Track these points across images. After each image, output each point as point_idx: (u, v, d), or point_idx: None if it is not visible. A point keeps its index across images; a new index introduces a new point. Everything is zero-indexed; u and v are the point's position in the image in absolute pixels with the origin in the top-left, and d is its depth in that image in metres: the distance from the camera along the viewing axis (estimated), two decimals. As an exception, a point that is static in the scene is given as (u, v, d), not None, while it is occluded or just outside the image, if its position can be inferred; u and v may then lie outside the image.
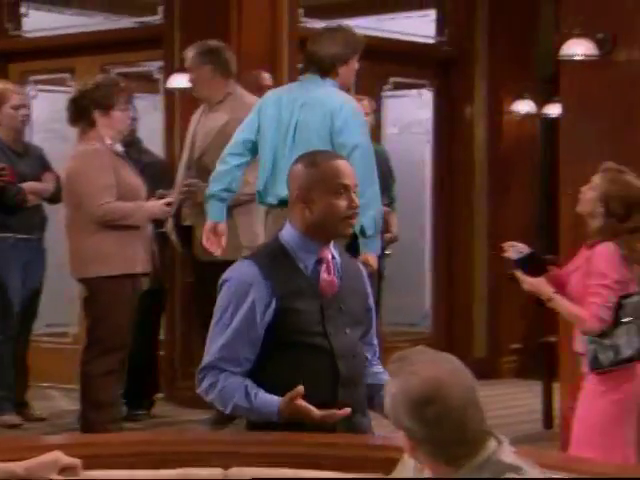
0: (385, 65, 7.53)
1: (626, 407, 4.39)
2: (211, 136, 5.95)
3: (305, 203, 3.22)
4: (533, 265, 4.51)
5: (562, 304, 4.43)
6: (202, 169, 5.84)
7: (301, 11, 7.06)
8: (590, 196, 4.42)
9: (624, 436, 4.42)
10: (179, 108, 7.04)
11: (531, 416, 6.62)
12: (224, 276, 3.26)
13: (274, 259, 3.23)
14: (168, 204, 5.64)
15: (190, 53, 6.03)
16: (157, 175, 6.20)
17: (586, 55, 5.60)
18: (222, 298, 3.22)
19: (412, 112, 8.71)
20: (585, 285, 4.37)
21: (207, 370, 3.21)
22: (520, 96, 8.33)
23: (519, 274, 4.46)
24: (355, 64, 5.16)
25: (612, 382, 4.35)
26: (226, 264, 3.38)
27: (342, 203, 3.22)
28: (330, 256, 3.27)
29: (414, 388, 2.28)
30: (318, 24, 7.43)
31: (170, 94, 7.07)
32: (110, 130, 5.46)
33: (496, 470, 2.31)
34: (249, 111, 5.15)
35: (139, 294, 5.58)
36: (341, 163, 3.30)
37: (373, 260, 4.95)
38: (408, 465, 2.53)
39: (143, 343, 6.25)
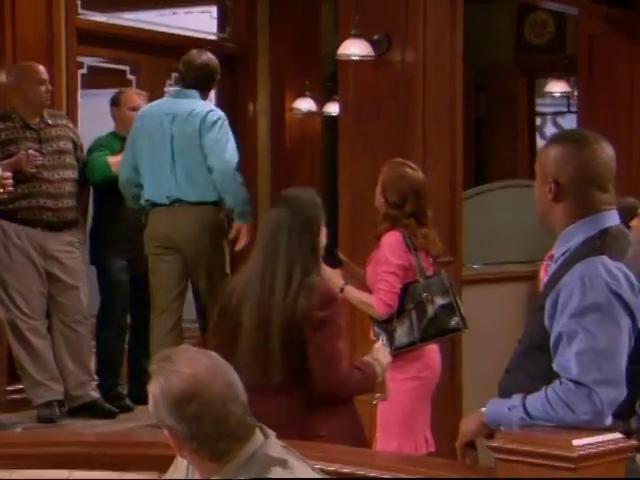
0: (167, 60, 7.45)
1: (419, 387, 4.53)
2: None
3: None
4: (329, 258, 4.60)
5: (352, 294, 4.57)
6: None
7: (79, 2, 6.90)
8: (376, 189, 4.61)
9: (423, 415, 4.55)
10: None
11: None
12: None
13: None
14: None
15: None
16: None
17: (362, 55, 5.68)
18: None
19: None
20: (376, 273, 4.49)
21: None
22: (302, 94, 8.42)
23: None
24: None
25: (402, 363, 4.48)
26: None
27: None
28: None
29: (173, 387, 2.28)
30: (98, 17, 7.30)
31: None
32: None
33: (263, 464, 2.33)
34: None
35: None
36: None
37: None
38: (181, 464, 2.52)
39: None
